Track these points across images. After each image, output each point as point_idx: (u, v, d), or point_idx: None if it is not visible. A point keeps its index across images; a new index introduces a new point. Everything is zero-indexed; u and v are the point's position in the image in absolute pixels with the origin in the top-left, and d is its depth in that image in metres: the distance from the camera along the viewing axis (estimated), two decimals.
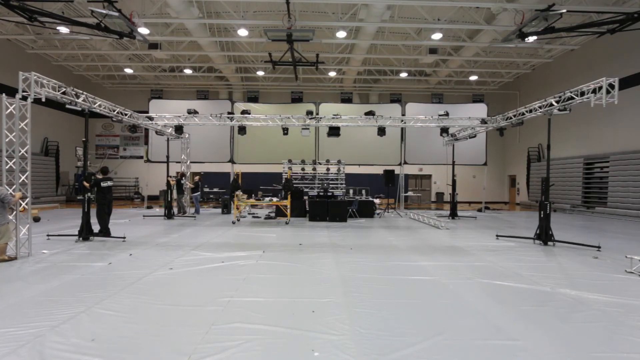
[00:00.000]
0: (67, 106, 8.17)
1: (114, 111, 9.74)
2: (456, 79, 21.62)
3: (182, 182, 14.15)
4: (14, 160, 6.25)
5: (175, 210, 13.48)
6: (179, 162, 15.30)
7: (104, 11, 7.88)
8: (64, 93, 7.64)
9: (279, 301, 4.17)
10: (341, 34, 14.60)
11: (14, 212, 6.18)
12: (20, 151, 6.36)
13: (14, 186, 6.18)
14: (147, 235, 8.85)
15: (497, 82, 22.27)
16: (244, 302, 4.09)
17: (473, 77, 20.97)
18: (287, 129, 12.05)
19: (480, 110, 16.74)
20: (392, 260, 6.40)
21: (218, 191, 19.88)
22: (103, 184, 8.29)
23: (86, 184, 7.98)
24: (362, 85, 22.60)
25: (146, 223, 11.30)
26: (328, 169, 15.76)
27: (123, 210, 15.27)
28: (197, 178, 15.04)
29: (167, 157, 13.26)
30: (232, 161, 17.22)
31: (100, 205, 8.33)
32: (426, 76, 21.00)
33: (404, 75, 20.36)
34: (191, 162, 15.58)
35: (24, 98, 6.61)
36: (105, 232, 8.25)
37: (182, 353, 2.89)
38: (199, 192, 14.97)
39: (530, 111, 9.46)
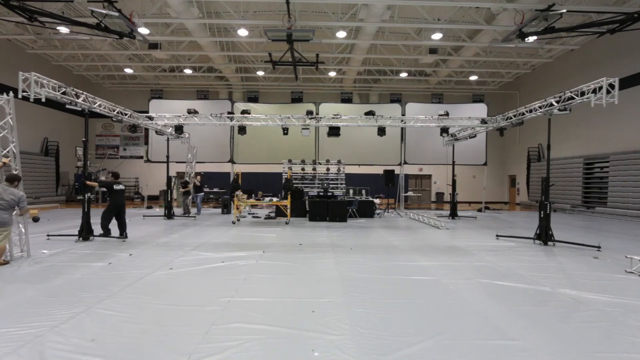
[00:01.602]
0: (67, 106, 8.17)
1: (114, 111, 9.74)
2: (456, 79, 21.62)
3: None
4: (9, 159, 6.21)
5: (181, 211, 13.60)
6: (179, 162, 15.30)
7: (104, 11, 7.89)
8: (64, 93, 7.64)
9: (279, 301, 4.17)
10: (341, 34, 14.60)
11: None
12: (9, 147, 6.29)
13: None
14: (147, 235, 8.85)
15: (497, 82, 22.26)
16: (244, 302, 4.09)
17: (473, 77, 20.97)
18: (287, 129, 12.04)
19: (480, 110, 16.74)
20: (392, 260, 6.40)
21: (218, 191, 19.88)
22: (116, 187, 8.23)
23: (91, 183, 7.92)
24: (362, 85, 22.60)
25: (146, 223, 11.30)
26: (328, 169, 15.76)
27: None
28: (199, 178, 15.05)
29: (167, 157, 13.25)
30: (232, 161, 17.22)
31: (109, 206, 8.27)
32: (426, 76, 21.00)
33: (404, 75, 20.35)
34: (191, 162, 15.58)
35: (28, 97, 6.59)
36: (106, 232, 8.18)
37: (182, 353, 2.89)
38: (203, 193, 15.01)
39: (530, 111, 9.46)
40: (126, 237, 8.16)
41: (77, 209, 14.23)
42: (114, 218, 8.30)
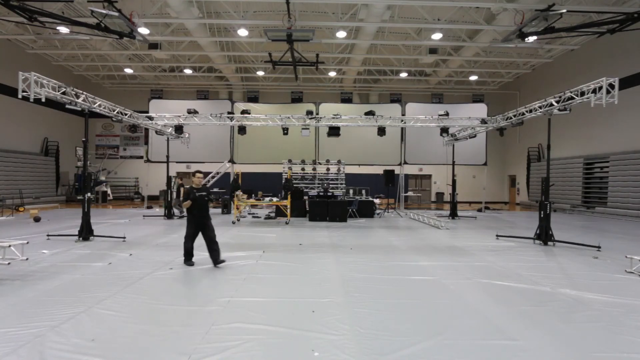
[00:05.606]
0: (67, 106, 8.17)
1: (113, 111, 9.74)
2: (456, 79, 21.61)
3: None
4: None
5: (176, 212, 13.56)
6: (179, 162, 15.27)
7: (104, 11, 7.88)
8: (64, 93, 7.64)
9: (279, 301, 4.17)
10: (341, 34, 14.60)
11: None
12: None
13: None
14: (147, 235, 8.85)
15: (497, 82, 22.26)
16: (244, 302, 4.09)
17: (473, 77, 20.97)
18: (287, 129, 12.04)
19: (480, 110, 16.73)
20: (392, 260, 6.40)
21: (218, 191, 19.85)
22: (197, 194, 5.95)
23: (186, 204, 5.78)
24: (362, 85, 22.60)
25: (146, 223, 11.30)
26: (328, 169, 15.76)
27: (123, 210, 15.26)
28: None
29: (167, 157, 13.26)
30: (232, 161, 17.21)
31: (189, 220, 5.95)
32: (426, 76, 21.00)
33: (404, 75, 20.35)
34: (191, 162, 15.57)
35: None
36: (187, 256, 5.85)
37: (182, 353, 2.89)
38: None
39: (530, 111, 9.46)
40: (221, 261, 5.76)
41: (77, 209, 14.22)
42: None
